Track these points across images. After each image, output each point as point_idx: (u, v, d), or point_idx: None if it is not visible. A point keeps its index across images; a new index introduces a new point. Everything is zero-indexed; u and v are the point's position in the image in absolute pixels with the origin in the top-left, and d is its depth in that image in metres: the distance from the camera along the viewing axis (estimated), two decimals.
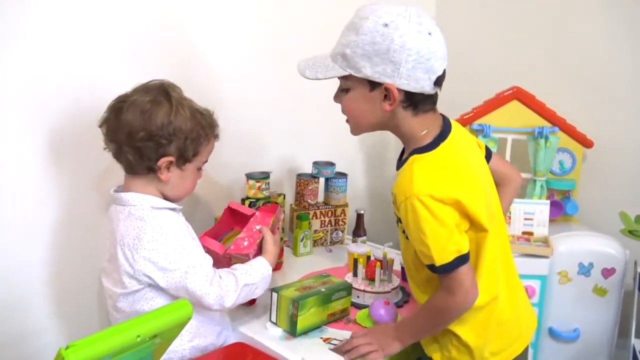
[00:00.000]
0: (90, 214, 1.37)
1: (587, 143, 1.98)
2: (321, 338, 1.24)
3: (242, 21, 1.69)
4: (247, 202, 1.65)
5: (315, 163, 1.83)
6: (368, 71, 1.00)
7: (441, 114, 1.11)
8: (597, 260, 1.82)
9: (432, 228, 0.99)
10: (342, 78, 1.07)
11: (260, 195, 1.66)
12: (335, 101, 1.12)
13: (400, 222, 1.07)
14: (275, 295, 1.26)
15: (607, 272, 1.83)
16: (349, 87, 1.06)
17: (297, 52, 1.84)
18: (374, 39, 0.97)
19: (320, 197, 1.87)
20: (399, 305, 1.40)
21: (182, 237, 1.14)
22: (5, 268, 1.27)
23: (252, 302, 1.39)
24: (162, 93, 1.14)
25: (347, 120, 1.12)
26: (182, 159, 1.16)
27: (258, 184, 1.65)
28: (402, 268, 1.57)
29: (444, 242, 0.99)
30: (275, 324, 1.26)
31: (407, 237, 1.07)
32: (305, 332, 1.24)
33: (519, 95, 1.98)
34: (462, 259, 1.01)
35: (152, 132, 1.10)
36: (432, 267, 1.02)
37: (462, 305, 1.04)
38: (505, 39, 2.28)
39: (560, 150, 1.98)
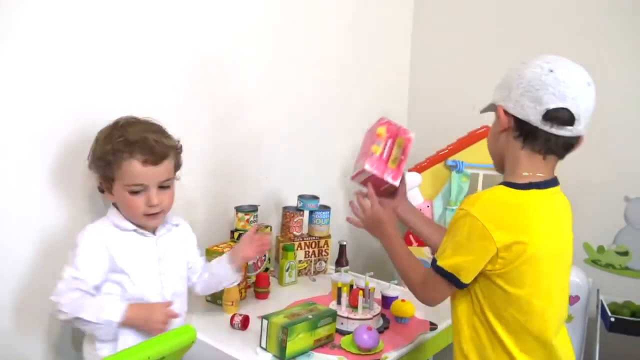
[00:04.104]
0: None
1: None
2: None
3: (230, 59, 1.81)
4: (236, 234, 1.74)
5: (300, 196, 1.94)
6: (494, 96, 1.14)
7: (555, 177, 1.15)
8: None
9: (461, 241, 1.08)
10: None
11: (248, 228, 1.75)
12: None
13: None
14: (265, 322, 1.34)
15: (572, 300, 1.96)
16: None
17: (284, 89, 1.99)
18: (510, 73, 1.11)
19: (305, 229, 1.96)
20: (380, 331, 1.49)
21: (86, 249, 1.25)
22: None
23: (244, 326, 1.47)
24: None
25: None
26: (107, 182, 1.29)
27: (247, 217, 1.75)
28: (383, 296, 1.67)
29: (457, 256, 1.08)
30: (265, 349, 1.34)
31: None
32: (293, 357, 1.32)
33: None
34: (451, 278, 1.10)
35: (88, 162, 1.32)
36: (433, 259, 1.15)
37: (418, 296, 1.22)
38: (476, 81, 2.44)
39: None
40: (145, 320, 1.24)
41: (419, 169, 2.19)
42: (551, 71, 1.05)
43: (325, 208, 1.96)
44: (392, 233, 1.32)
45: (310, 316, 1.37)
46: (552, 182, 1.13)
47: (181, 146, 1.37)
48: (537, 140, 1.08)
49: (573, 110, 1.04)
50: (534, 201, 1.08)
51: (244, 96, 1.86)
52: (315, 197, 1.95)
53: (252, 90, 1.89)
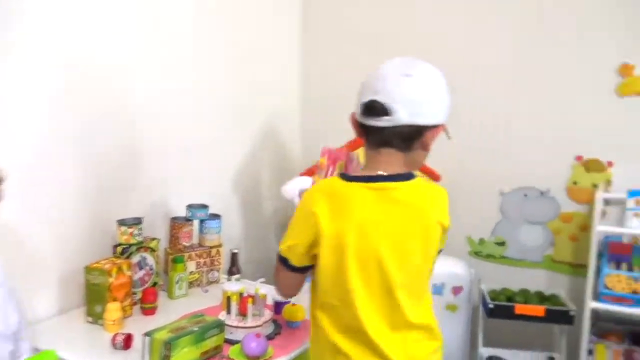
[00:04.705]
0: None
1: (435, 177, 2.25)
2: None
3: (114, 64, 1.73)
4: (119, 249, 1.66)
5: (189, 206, 1.89)
6: None
7: (406, 174, 1.13)
8: (447, 280, 2.06)
9: (293, 224, 1.17)
10: None
11: (132, 241, 1.67)
12: None
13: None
14: (147, 338, 1.28)
15: (456, 290, 2.08)
16: None
17: (171, 97, 1.93)
18: None
19: (195, 239, 1.91)
20: (270, 337, 1.48)
21: None
22: None
23: (127, 346, 1.40)
24: None
25: None
26: None
27: (130, 230, 1.67)
28: (275, 302, 1.67)
29: (289, 239, 1.16)
30: None
31: None
32: None
33: None
34: (284, 261, 1.17)
35: None
36: None
37: (275, 286, 1.27)
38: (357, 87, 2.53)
39: None
40: None
41: (309, 173, 2.22)
42: (375, 70, 1.12)
43: (216, 217, 1.92)
44: None
45: (195, 328, 1.33)
46: (389, 177, 1.12)
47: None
48: (369, 136, 1.13)
49: (383, 100, 1.07)
50: (348, 193, 1.11)
51: (126, 104, 1.78)
52: (205, 206, 1.90)
53: (137, 98, 1.81)
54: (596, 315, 2.05)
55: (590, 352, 1.98)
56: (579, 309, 1.96)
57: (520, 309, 1.97)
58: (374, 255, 1.10)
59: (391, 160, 1.12)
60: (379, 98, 1.08)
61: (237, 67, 2.26)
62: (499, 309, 2.01)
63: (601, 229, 1.86)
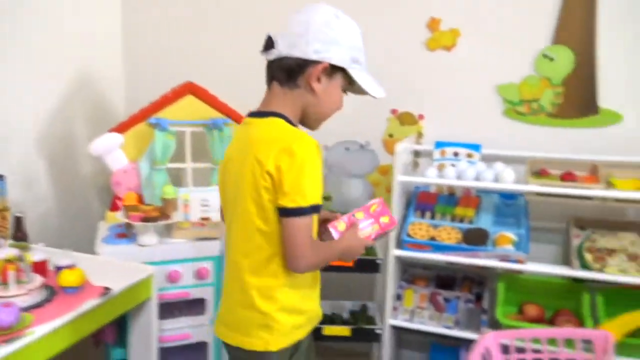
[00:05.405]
0: None
1: None
2: None
3: None
4: None
5: None
6: None
7: (269, 112, 1.16)
8: None
9: None
10: None
11: None
12: None
13: None
14: None
15: None
16: None
17: None
18: None
19: None
20: (39, 305, 1.37)
21: None
22: None
23: None
24: None
25: None
26: None
27: None
28: (57, 268, 1.54)
29: None
30: None
31: None
32: None
33: (193, 89, 2.10)
34: None
35: None
36: None
37: None
38: (182, 39, 2.41)
39: None
40: None
41: (120, 129, 2.07)
42: None
43: None
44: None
45: None
46: (254, 114, 1.19)
47: None
48: (266, 72, 1.19)
49: (272, 34, 1.14)
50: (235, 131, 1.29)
51: None
52: None
53: None
54: (405, 262, 2.15)
55: (399, 297, 2.08)
56: (386, 258, 2.04)
57: None
58: (225, 186, 1.22)
59: (272, 95, 1.17)
60: (271, 34, 1.15)
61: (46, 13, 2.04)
62: None
63: (402, 179, 1.92)
